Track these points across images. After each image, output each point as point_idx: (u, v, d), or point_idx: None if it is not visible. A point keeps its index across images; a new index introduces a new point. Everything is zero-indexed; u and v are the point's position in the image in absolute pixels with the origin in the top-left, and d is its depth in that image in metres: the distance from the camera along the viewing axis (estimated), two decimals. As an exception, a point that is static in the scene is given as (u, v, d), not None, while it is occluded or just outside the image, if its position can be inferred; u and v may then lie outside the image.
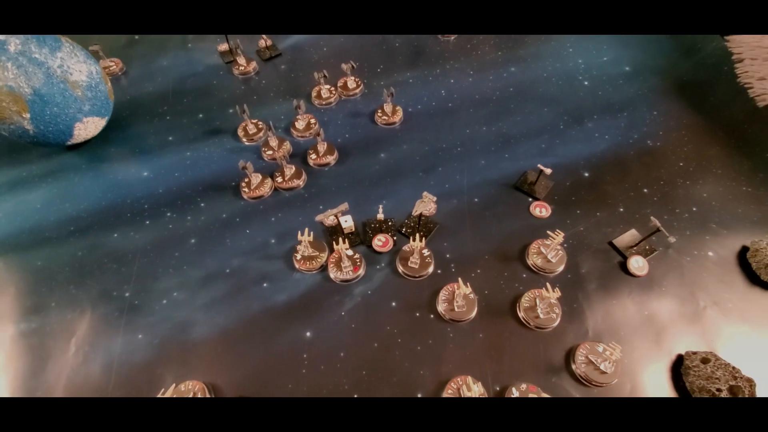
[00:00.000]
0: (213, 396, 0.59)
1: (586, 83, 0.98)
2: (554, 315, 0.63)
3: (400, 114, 0.91)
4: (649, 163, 0.83)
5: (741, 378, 0.56)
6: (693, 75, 0.98)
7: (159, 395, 0.57)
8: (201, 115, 0.95)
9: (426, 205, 0.69)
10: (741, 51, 0.93)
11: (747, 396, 0.54)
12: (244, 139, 0.89)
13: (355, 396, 0.59)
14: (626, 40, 1.07)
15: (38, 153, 0.89)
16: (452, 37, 1.10)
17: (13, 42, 0.74)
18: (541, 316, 0.62)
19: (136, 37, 1.14)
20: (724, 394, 0.54)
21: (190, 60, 1.08)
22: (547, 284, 0.62)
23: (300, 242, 0.68)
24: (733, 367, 0.57)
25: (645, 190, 0.79)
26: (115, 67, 1.04)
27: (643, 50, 1.04)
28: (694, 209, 0.76)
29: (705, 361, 0.57)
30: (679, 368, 0.60)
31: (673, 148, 0.85)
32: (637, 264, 0.68)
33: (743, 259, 0.70)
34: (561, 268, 0.69)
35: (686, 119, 0.90)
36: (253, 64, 1.03)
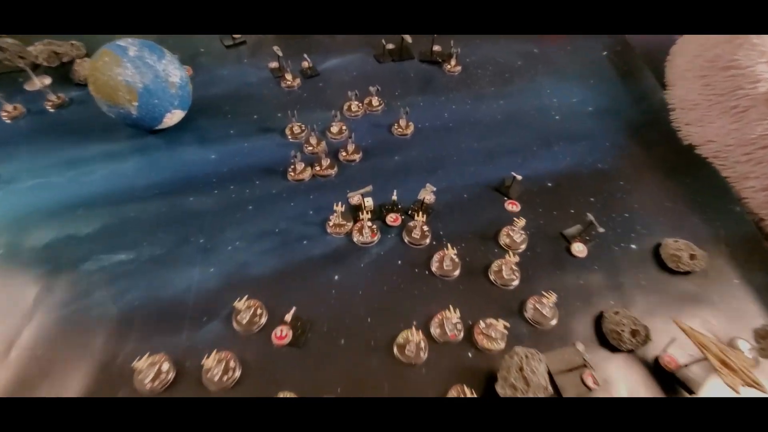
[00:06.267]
0: (266, 312, 0.81)
1: (557, 117, 1.25)
2: (514, 277, 0.87)
3: (412, 128, 1.18)
4: (597, 180, 1.09)
5: (639, 325, 0.80)
6: (639, 118, 1.25)
7: (234, 304, 0.79)
8: (255, 116, 1.20)
9: (427, 192, 0.94)
10: (674, 102, 1.21)
11: (643, 336, 0.78)
12: (290, 137, 1.14)
13: (369, 320, 0.82)
14: (593, 86, 1.35)
15: (126, 133, 1.14)
16: (457, 72, 1.38)
17: (132, 48, 0.99)
18: (505, 276, 0.87)
19: (201, 49, 1.40)
20: (626, 334, 0.78)
21: (244, 72, 1.34)
22: (510, 252, 0.86)
23: (335, 212, 0.92)
24: (635, 318, 0.81)
25: (591, 199, 1.05)
26: (187, 73, 1.30)
27: (605, 96, 1.32)
28: (626, 215, 1.02)
29: (616, 313, 0.82)
30: (600, 319, 0.84)
31: (617, 171, 1.11)
32: (578, 248, 0.93)
33: (656, 252, 0.95)
34: (524, 247, 0.93)
35: (630, 150, 1.17)
36: (297, 81, 1.30)
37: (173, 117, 1.09)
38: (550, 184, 1.08)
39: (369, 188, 0.93)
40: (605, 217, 1.01)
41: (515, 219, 0.92)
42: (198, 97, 1.23)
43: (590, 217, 0.92)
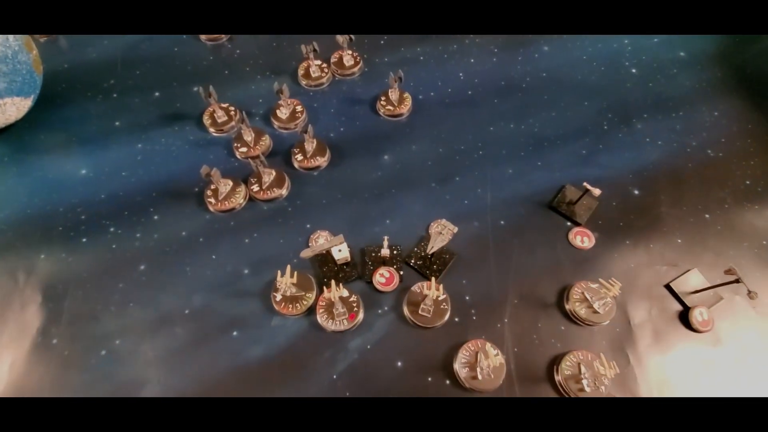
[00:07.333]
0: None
1: (633, 71, 0.81)
2: (603, 388, 0.50)
3: (408, 103, 0.74)
4: (710, 180, 0.68)
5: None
6: (758, 66, 0.81)
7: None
8: (157, 94, 0.76)
9: (445, 239, 0.53)
10: (826, 40, 0.76)
11: None
12: (212, 129, 0.71)
13: (350, 493, 0.46)
14: (680, 16, 0.88)
15: (-55, 138, 0.70)
16: None
17: None
18: (587, 389, 0.49)
19: (79, -17, 0.91)
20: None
21: (146, 18, 0.86)
22: (602, 355, 0.48)
23: (280, 283, 0.52)
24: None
25: (706, 216, 0.65)
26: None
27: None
28: (765, 243, 0.63)
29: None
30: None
31: (737, 162, 0.70)
32: (702, 317, 0.55)
33: (827, 313, 0.57)
34: (607, 322, 0.55)
35: (752, 124, 0.74)
36: (226, 28, 0.83)
37: (6, 110, 0.64)
38: (637, 192, 0.67)
39: (340, 240, 0.52)
40: (732, 250, 0.61)
41: (603, 282, 0.53)
42: (65, 64, 0.78)
43: (734, 271, 0.52)
